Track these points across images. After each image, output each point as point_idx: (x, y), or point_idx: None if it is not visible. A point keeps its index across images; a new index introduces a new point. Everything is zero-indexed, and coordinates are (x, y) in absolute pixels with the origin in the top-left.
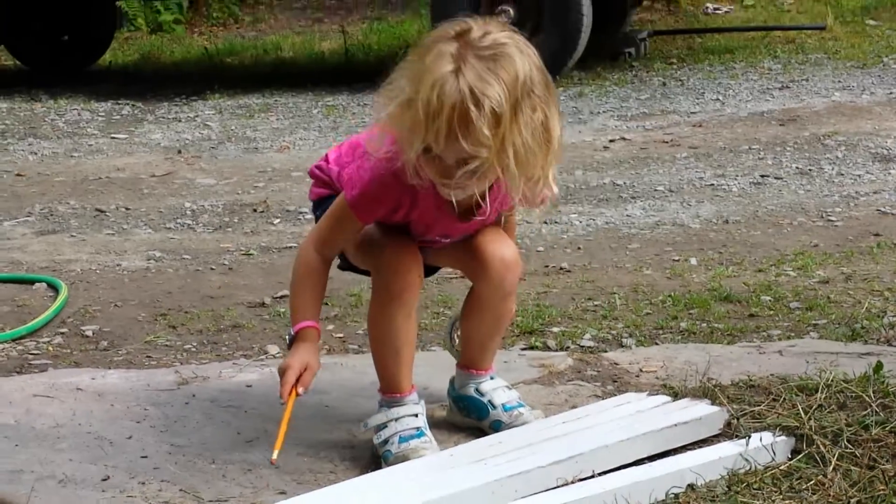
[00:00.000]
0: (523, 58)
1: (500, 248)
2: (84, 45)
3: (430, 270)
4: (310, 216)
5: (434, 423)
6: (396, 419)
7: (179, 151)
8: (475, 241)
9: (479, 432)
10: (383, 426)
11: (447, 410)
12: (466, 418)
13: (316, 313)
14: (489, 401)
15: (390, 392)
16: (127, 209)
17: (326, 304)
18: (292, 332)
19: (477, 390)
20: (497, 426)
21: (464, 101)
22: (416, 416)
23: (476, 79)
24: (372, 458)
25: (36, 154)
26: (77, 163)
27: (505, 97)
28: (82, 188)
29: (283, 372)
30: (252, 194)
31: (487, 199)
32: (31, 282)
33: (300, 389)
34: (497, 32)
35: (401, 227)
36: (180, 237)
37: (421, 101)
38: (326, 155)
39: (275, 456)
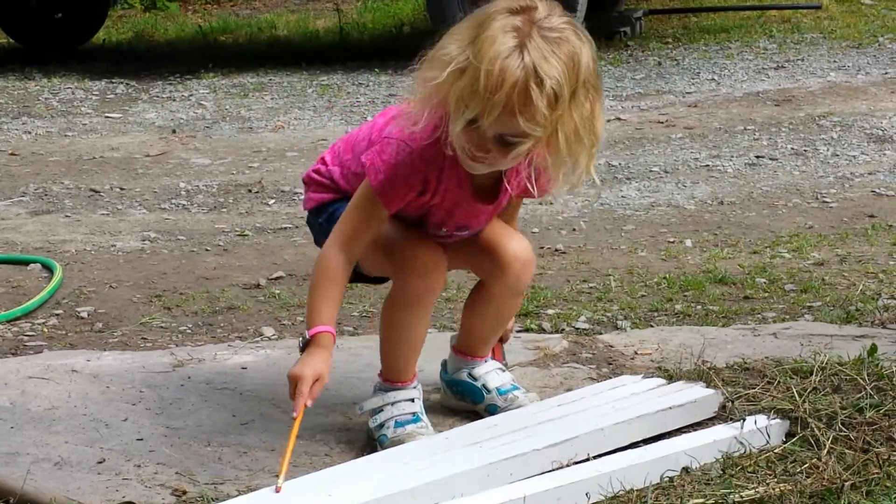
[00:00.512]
0: (584, 47)
1: (518, 247)
2: (78, 22)
3: None
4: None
5: (429, 407)
6: (393, 403)
7: (174, 131)
8: (488, 238)
9: (475, 415)
10: (379, 410)
11: (441, 393)
12: (461, 402)
13: (333, 317)
14: (483, 385)
15: (392, 380)
16: (121, 189)
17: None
18: (307, 336)
19: (470, 375)
20: (493, 409)
21: (527, 79)
22: (413, 400)
23: (540, 58)
24: (367, 441)
25: (30, 133)
26: (71, 142)
27: (566, 80)
28: (76, 168)
29: (295, 380)
30: (247, 174)
31: (508, 180)
32: (26, 263)
33: (308, 402)
34: (561, 17)
35: (417, 221)
36: (175, 218)
37: (482, 71)
38: (321, 157)
39: (280, 483)
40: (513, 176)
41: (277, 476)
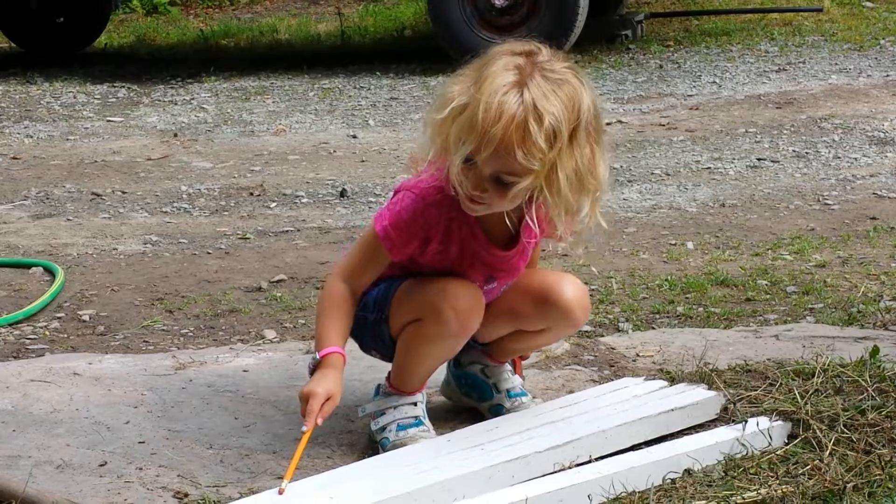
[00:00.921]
0: (586, 92)
1: (572, 292)
2: (79, 27)
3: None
4: (306, 200)
5: (431, 409)
6: (395, 407)
7: (175, 134)
8: (540, 287)
9: (476, 417)
10: (381, 413)
11: (442, 385)
12: (465, 396)
13: (342, 341)
14: (494, 384)
15: (400, 391)
16: (123, 193)
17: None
18: (317, 357)
19: (483, 372)
20: (498, 410)
21: (525, 113)
22: (416, 404)
23: (541, 95)
24: (369, 443)
25: (31, 137)
26: (73, 146)
27: (565, 118)
28: (78, 171)
29: (306, 397)
30: (248, 178)
31: (527, 223)
32: (28, 266)
33: (319, 420)
34: (563, 62)
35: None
36: (177, 221)
37: (481, 104)
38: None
39: (284, 485)
40: (533, 224)
41: (281, 479)
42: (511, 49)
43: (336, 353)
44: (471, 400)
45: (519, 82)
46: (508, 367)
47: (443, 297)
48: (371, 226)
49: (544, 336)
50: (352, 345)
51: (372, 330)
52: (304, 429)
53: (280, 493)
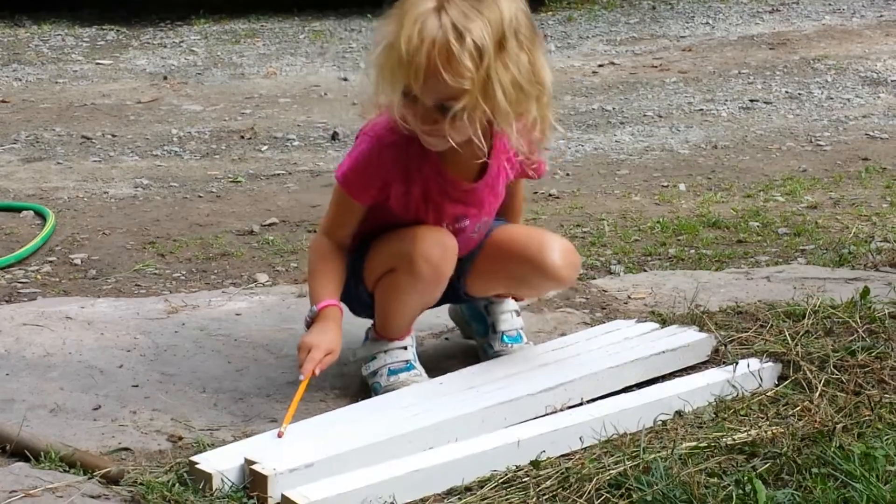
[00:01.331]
0: (507, 2)
1: (557, 256)
2: None
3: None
4: (297, 143)
5: (422, 352)
6: (385, 351)
7: (165, 77)
8: (524, 248)
9: (470, 361)
10: (372, 357)
11: (450, 308)
12: (466, 326)
13: (336, 293)
14: (492, 323)
15: (387, 337)
16: (113, 136)
17: (314, 231)
18: (314, 310)
19: (486, 307)
20: (486, 349)
21: (445, 35)
22: (406, 348)
23: (459, 15)
24: (361, 386)
25: (20, 80)
26: (62, 89)
27: (488, 33)
28: (68, 115)
29: (307, 348)
30: (239, 121)
31: (495, 154)
32: (18, 210)
33: (317, 370)
34: None
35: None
36: (167, 164)
37: (402, 38)
38: None
39: (283, 429)
40: (500, 155)
41: (276, 422)
42: None
43: (333, 304)
44: (471, 330)
45: (437, 7)
46: (513, 306)
47: (413, 245)
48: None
49: (533, 293)
50: None
51: (352, 294)
52: (302, 377)
53: (279, 436)
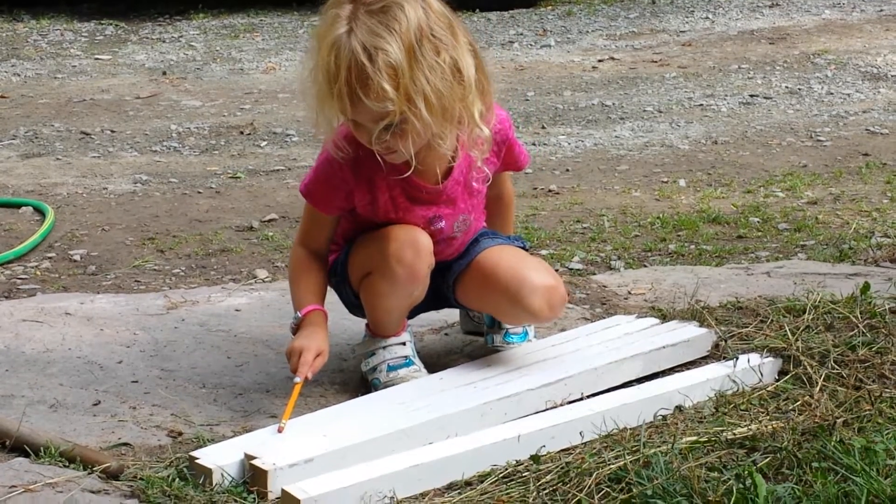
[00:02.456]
0: (415, 4)
1: (538, 297)
2: None
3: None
4: (297, 139)
5: (422, 348)
6: (384, 347)
7: (164, 73)
8: (506, 282)
9: (469, 356)
10: (371, 353)
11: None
12: (475, 314)
13: (319, 298)
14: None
15: (381, 335)
16: (112, 132)
17: None
18: (299, 315)
19: None
20: (489, 341)
21: (358, 59)
22: (404, 344)
23: (367, 34)
24: (361, 381)
25: (19, 76)
26: (61, 84)
27: (398, 47)
28: (67, 110)
29: (298, 352)
30: (238, 116)
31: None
32: (18, 206)
33: (309, 374)
34: None
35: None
36: (166, 160)
37: (322, 68)
38: None
39: (283, 424)
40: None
41: (275, 418)
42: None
43: (316, 309)
44: (477, 321)
45: (348, 30)
46: None
47: (386, 248)
48: None
49: (515, 323)
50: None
51: (341, 293)
52: (298, 379)
53: (279, 431)
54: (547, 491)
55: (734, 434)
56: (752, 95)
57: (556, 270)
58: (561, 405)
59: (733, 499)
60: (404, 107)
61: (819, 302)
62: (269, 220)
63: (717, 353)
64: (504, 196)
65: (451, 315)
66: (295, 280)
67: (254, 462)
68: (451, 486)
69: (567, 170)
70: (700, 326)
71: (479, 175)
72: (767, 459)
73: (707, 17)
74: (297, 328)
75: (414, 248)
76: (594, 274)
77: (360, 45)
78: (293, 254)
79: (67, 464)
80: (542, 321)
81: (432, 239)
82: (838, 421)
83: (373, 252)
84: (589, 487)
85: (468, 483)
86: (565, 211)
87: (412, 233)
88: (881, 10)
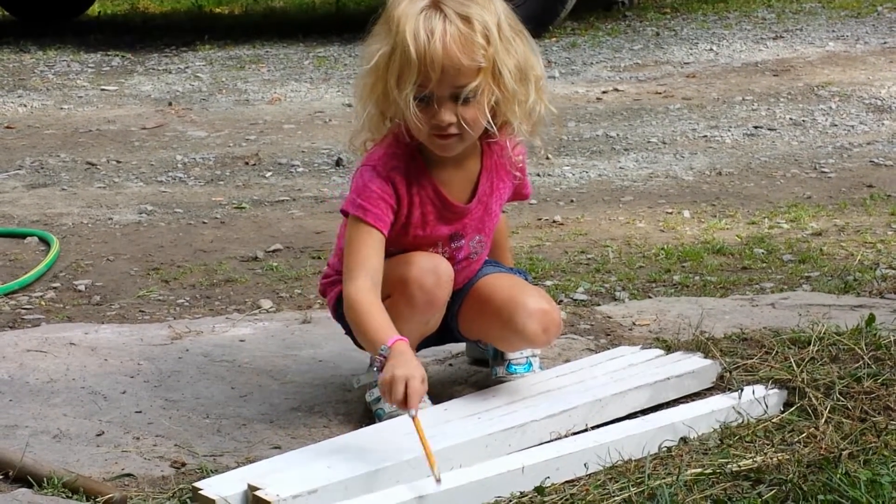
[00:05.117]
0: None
1: (533, 320)
2: None
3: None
4: (301, 169)
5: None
6: None
7: (170, 103)
8: (498, 305)
9: (474, 387)
10: (375, 384)
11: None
12: (479, 347)
13: (396, 329)
14: (501, 350)
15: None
16: (118, 162)
17: (318, 257)
18: (386, 347)
19: None
20: (494, 373)
21: (453, 23)
22: None
23: (458, 5)
24: (365, 412)
25: (25, 106)
26: (67, 115)
27: (489, 19)
28: (73, 141)
29: (403, 381)
30: (244, 147)
31: (484, 174)
32: (23, 236)
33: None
34: None
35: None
36: (172, 190)
37: (409, 37)
38: (328, 264)
39: (437, 474)
40: (491, 173)
41: (278, 448)
42: None
43: (401, 340)
44: (475, 348)
45: (431, 4)
46: None
47: (408, 272)
48: (348, 219)
49: (512, 349)
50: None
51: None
52: (413, 413)
53: (437, 482)
54: None
55: (739, 466)
56: (756, 127)
57: (560, 301)
58: (565, 436)
59: None
60: (489, 70)
61: (824, 333)
62: (274, 251)
63: (721, 385)
64: (500, 225)
65: (456, 346)
66: (365, 317)
67: (257, 493)
68: None
69: (571, 200)
70: (705, 358)
71: (498, 198)
72: (773, 492)
73: (711, 49)
74: (384, 361)
75: (435, 275)
76: (598, 305)
77: (453, 13)
78: (351, 291)
79: (71, 495)
80: (537, 346)
81: (451, 260)
82: (844, 453)
83: (393, 277)
84: None
85: None
86: (569, 241)
87: (434, 260)
88: (885, 43)
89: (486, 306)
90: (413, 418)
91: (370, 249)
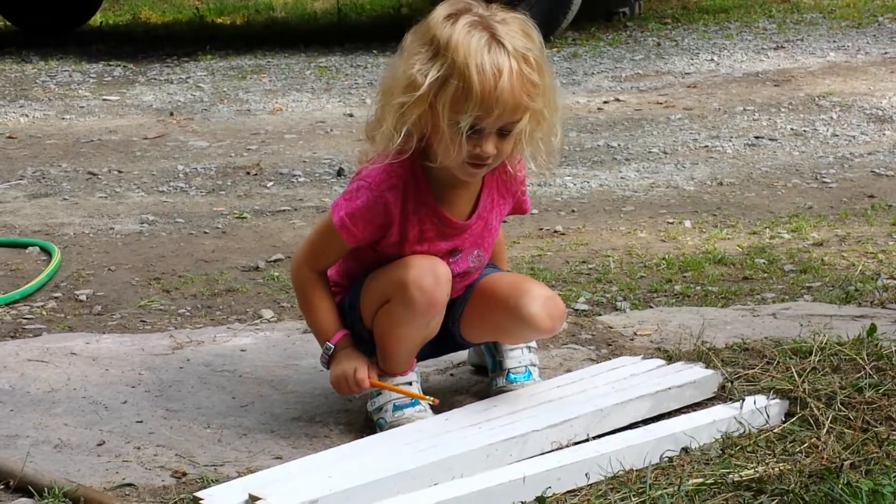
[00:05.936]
0: (534, 28)
1: (539, 308)
2: (74, 5)
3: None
4: (303, 179)
5: (427, 388)
6: None
7: (171, 113)
8: (507, 299)
9: (475, 397)
10: (377, 393)
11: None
12: (479, 357)
13: (339, 321)
14: (500, 360)
15: (390, 373)
16: (119, 172)
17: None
18: (330, 346)
19: (495, 344)
20: (494, 384)
21: (517, 61)
22: (410, 384)
23: (513, 39)
24: (366, 422)
25: (27, 116)
26: (69, 125)
27: (539, 55)
28: (74, 151)
29: (346, 377)
30: (245, 157)
31: (485, 191)
32: (24, 246)
33: (367, 384)
34: (486, 5)
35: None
36: (173, 200)
37: (472, 70)
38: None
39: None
40: (492, 190)
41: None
42: (447, 13)
43: (344, 335)
44: (478, 358)
45: (491, 37)
46: (525, 344)
47: (406, 275)
48: (328, 215)
49: (518, 342)
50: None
51: (352, 331)
52: (365, 388)
53: (434, 403)
54: None
55: (741, 476)
56: (757, 137)
57: None
58: (566, 446)
59: None
60: (542, 105)
61: (825, 343)
62: (275, 261)
63: (723, 395)
64: (499, 245)
65: (458, 355)
66: (311, 304)
67: (258, 503)
68: None
69: (573, 210)
70: (706, 368)
71: (498, 214)
72: (774, 502)
73: (712, 59)
74: (329, 359)
75: (434, 276)
76: (600, 315)
77: (513, 49)
78: (302, 276)
79: None
80: (543, 333)
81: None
82: (845, 463)
83: (392, 280)
84: None
85: None
86: (571, 252)
87: (432, 262)
88: (885, 53)
89: (491, 297)
90: (370, 384)
91: (327, 251)
